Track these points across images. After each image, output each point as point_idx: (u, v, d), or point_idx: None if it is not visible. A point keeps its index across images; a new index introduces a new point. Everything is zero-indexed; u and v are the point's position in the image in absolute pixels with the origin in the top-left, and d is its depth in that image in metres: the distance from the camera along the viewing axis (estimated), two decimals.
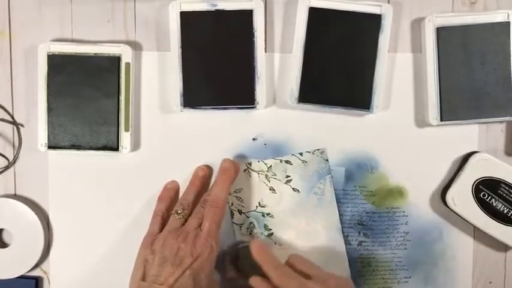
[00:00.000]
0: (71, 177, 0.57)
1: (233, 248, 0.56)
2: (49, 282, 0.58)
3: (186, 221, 0.52)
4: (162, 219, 0.54)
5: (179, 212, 0.52)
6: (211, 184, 0.56)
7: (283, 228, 0.56)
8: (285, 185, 0.56)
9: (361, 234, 0.57)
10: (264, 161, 0.56)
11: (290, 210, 0.56)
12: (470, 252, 0.57)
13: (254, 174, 0.56)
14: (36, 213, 0.56)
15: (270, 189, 0.56)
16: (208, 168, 0.56)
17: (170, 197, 0.55)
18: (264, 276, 0.49)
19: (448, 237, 0.57)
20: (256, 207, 0.56)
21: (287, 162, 0.56)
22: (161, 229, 0.52)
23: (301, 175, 0.56)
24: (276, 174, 0.56)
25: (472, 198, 0.54)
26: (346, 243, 0.57)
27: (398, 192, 0.56)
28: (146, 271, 0.49)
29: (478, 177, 0.54)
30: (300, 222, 0.56)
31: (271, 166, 0.56)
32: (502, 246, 0.56)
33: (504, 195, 0.54)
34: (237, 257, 0.55)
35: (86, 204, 0.57)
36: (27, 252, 0.56)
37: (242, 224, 0.56)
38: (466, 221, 0.55)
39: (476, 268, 0.57)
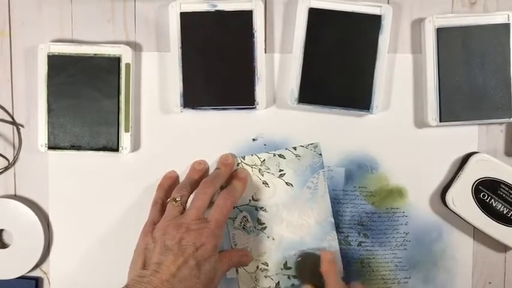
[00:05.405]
0: (71, 177, 0.57)
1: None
2: (49, 282, 0.58)
3: (184, 208, 0.51)
4: (162, 206, 0.53)
5: (177, 199, 0.51)
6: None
7: (276, 222, 0.56)
8: (278, 179, 0.56)
9: (361, 234, 0.57)
10: (258, 155, 0.56)
11: (283, 204, 0.56)
12: (470, 252, 0.57)
13: (247, 168, 0.56)
14: (36, 214, 0.56)
15: (263, 183, 0.56)
16: (205, 163, 0.56)
17: (169, 185, 0.55)
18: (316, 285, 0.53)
19: (448, 238, 0.57)
20: (250, 201, 0.56)
21: (280, 156, 0.56)
22: (161, 216, 0.52)
23: (295, 169, 0.56)
24: (269, 168, 0.56)
25: (472, 198, 0.54)
26: (346, 244, 0.57)
27: (398, 193, 0.57)
28: (147, 259, 0.48)
29: (477, 178, 0.54)
30: (292, 216, 0.56)
31: (264, 160, 0.56)
32: (501, 247, 0.57)
33: (504, 195, 0.54)
34: (299, 259, 0.56)
35: (86, 205, 0.57)
36: (27, 253, 0.56)
37: (235, 218, 0.56)
38: (465, 221, 0.55)
39: (476, 268, 0.57)
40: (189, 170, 0.56)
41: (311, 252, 0.56)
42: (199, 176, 0.55)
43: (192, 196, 0.53)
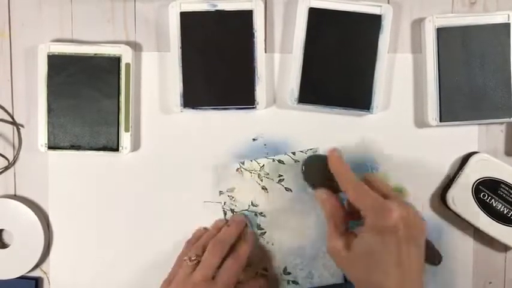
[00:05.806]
0: (71, 177, 0.57)
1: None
2: (49, 282, 0.58)
3: (197, 264, 0.50)
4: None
5: (192, 258, 0.50)
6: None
7: (275, 228, 0.56)
8: (278, 185, 0.56)
9: None
10: (257, 160, 0.56)
11: (282, 209, 0.56)
12: (470, 252, 0.57)
13: (246, 174, 0.56)
14: (36, 214, 0.56)
15: (262, 188, 0.56)
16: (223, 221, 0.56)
17: (201, 246, 0.53)
18: (327, 188, 0.50)
19: (448, 237, 0.57)
20: (249, 206, 0.56)
21: (280, 161, 0.56)
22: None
23: (294, 174, 0.56)
24: (268, 174, 0.56)
25: (472, 198, 0.54)
26: None
27: (398, 193, 0.56)
28: None
29: (477, 178, 0.54)
30: (292, 221, 0.56)
31: (263, 165, 0.56)
32: (502, 246, 0.57)
33: (504, 195, 0.54)
34: (304, 166, 0.53)
35: (86, 205, 0.57)
36: (27, 253, 0.56)
37: None
38: (466, 221, 0.55)
39: (476, 268, 0.57)
40: (211, 226, 0.56)
41: (315, 155, 0.54)
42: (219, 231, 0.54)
43: None
